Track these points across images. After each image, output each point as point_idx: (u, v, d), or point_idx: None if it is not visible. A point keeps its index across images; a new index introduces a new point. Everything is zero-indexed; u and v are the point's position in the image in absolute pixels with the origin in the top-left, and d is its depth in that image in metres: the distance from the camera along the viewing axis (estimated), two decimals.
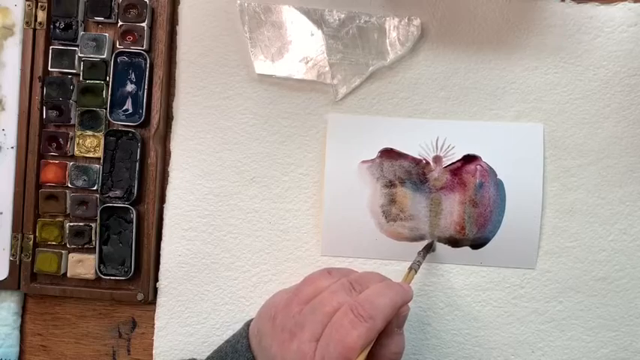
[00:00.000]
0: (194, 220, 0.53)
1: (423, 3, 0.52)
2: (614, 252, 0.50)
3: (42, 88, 0.53)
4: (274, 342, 0.40)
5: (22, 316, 0.55)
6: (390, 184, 0.51)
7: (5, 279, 0.53)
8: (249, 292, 0.52)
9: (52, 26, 0.53)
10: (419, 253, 0.49)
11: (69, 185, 0.54)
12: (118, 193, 0.53)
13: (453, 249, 0.51)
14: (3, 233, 0.53)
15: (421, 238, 0.51)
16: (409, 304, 0.41)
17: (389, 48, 0.52)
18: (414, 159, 0.51)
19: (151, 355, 0.53)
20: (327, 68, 0.52)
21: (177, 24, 0.54)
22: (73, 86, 0.54)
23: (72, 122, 0.54)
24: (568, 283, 0.51)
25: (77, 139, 0.53)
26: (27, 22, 0.53)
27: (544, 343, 0.51)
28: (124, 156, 0.53)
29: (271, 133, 0.53)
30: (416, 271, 0.47)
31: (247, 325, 0.45)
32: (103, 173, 0.53)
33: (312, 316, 0.39)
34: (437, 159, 0.51)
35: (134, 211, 0.52)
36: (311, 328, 0.38)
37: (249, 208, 0.53)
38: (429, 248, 0.50)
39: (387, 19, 0.52)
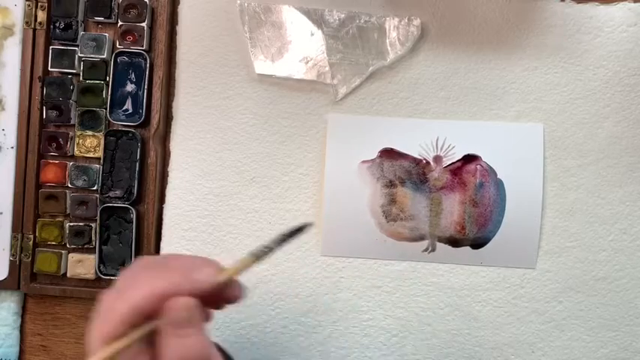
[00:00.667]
0: (194, 220, 0.53)
1: (423, 3, 0.52)
2: (614, 252, 0.50)
3: (42, 88, 0.53)
4: None
5: (22, 316, 0.55)
6: (390, 184, 0.51)
7: (5, 279, 0.53)
8: (249, 292, 0.52)
9: (52, 26, 0.53)
10: (268, 245, 0.36)
11: (69, 185, 0.54)
12: (118, 193, 0.53)
13: (454, 249, 0.51)
14: (3, 233, 0.53)
15: (421, 238, 0.51)
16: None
17: (389, 48, 0.52)
18: (414, 159, 0.51)
19: None
20: (327, 68, 0.52)
21: (177, 24, 0.54)
22: (73, 86, 0.54)
23: (72, 122, 0.54)
24: (568, 283, 0.51)
25: (77, 139, 0.53)
26: (27, 22, 0.53)
27: (544, 343, 0.51)
28: (124, 156, 0.53)
29: (271, 133, 0.53)
30: (257, 260, 0.36)
31: None
32: (103, 173, 0.53)
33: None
34: (437, 159, 0.51)
35: (134, 211, 0.52)
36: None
37: (249, 208, 0.53)
38: (282, 242, 0.37)
39: (387, 19, 0.52)
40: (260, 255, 0.36)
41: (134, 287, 0.32)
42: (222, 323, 0.52)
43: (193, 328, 0.31)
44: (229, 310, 0.52)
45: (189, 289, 0.31)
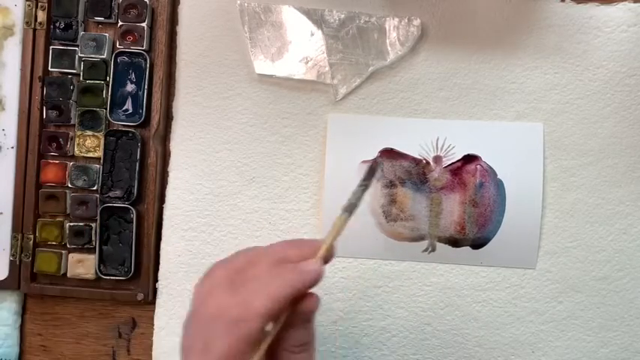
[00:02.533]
0: (194, 220, 0.53)
1: (423, 3, 0.52)
2: (614, 252, 0.50)
3: (42, 88, 0.53)
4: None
5: (22, 316, 0.55)
6: (391, 184, 0.51)
7: (5, 279, 0.53)
8: None
9: (52, 26, 0.53)
10: (360, 184, 0.39)
11: (69, 185, 0.54)
12: (118, 193, 0.53)
13: (454, 249, 0.51)
14: (3, 233, 0.53)
15: (421, 238, 0.51)
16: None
17: (389, 48, 0.52)
18: (414, 159, 0.51)
19: (151, 355, 0.53)
20: (327, 68, 0.52)
21: (177, 24, 0.54)
22: (73, 86, 0.54)
23: (72, 122, 0.54)
24: (568, 283, 0.51)
25: (77, 139, 0.53)
26: (27, 22, 0.53)
27: (544, 343, 0.51)
28: (124, 156, 0.53)
29: (271, 133, 0.53)
30: (350, 214, 0.37)
31: None
32: (103, 173, 0.53)
33: (197, 332, 0.35)
34: (437, 159, 0.51)
35: (134, 211, 0.52)
36: (196, 344, 0.35)
37: (249, 208, 0.53)
38: (372, 172, 0.39)
39: (387, 19, 0.52)
40: (351, 209, 0.37)
41: (258, 293, 0.33)
42: None
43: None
44: None
45: (308, 284, 0.34)
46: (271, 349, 0.35)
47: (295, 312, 0.35)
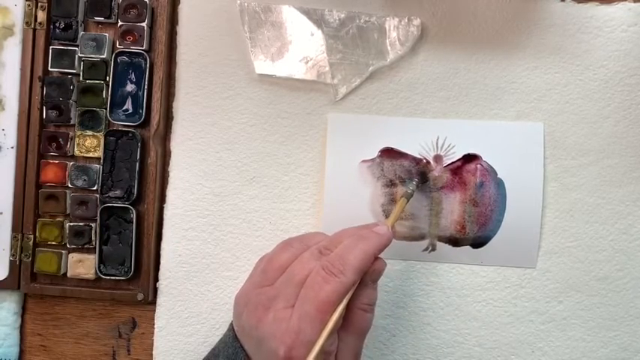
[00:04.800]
0: (194, 220, 0.53)
1: (423, 3, 0.52)
2: (614, 252, 0.50)
3: (42, 88, 0.53)
4: (251, 322, 0.40)
5: (22, 316, 0.55)
6: (391, 184, 0.51)
7: (5, 279, 0.53)
8: None
9: (52, 26, 0.53)
10: (412, 179, 0.49)
11: (69, 185, 0.54)
12: (118, 193, 0.53)
13: (454, 248, 0.51)
14: (3, 233, 0.53)
15: (421, 237, 0.51)
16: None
17: (389, 48, 0.52)
18: (414, 158, 0.51)
19: (151, 355, 0.53)
20: (327, 68, 0.52)
21: (177, 24, 0.54)
22: (73, 86, 0.54)
23: (72, 122, 0.54)
24: (568, 283, 0.51)
25: (77, 139, 0.53)
26: (27, 22, 0.53)
27: (544, 343, 0.51)
28: (124, 156, 0.53)
29: (271, 133, 0.53)
30: (407, 200, 0.47)
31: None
32: (103, 173, 0.53)
33: (284, 287, 0.40)
34: (437, 158, 0.51)
35: (134, 211, 0.52)
36: (284, 297, 0.39)
37: (249, 208, 0.53)
38: (424, 174, 0.50)
39: (387, 19, 0.52)
40: (408, 196, 0.47)
41: (352, 250, 0.40)
42: (223, 323, 0.52)
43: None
44: (229, 309, 0.53)
45: (384, 244, 0.42)
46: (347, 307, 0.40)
47: (367, 272, 0.41)
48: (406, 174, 0.51)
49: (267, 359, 0.39)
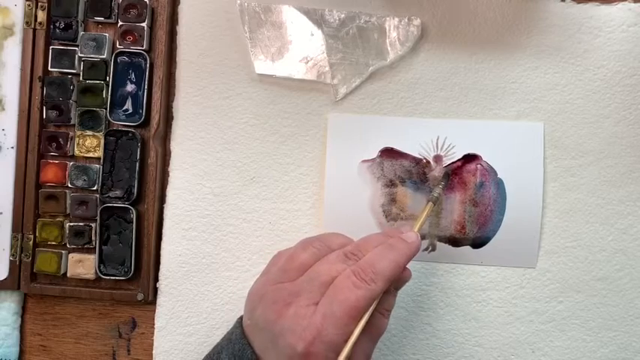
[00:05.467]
0: (194, 220, 0.53)
1: (423, 3, 0.52)
2: (614, 252, 0.50)
3: (42, 88, 0.53)
4: (268, 315, 0.40)
5: (22, 316, 0.55)
6: (391, 184, 0.51)
7: (5, 279, 0.53)
8: None
9: (52, 26, 0.53)
10: (438, 183, 0.50)
11: (69, 185, 0.54)
12: (118, 193, 0.53)
13: (454, 248, 0.51)
14: (3, 233, 0.53)
15: (422, 237, 0.51)
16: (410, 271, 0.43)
17: (389, 48, 0.52)
18: (414, 158, 0.51)
19: (151, 355, 0.53)
20: (327, 68, 0.52)
21: (177, 24, 0.54)
22: (73, 86, 0.54)
23: (72, 122, 0.54)
24: (568, 283, 0.51)
25: (77, 139, 0.53)
26: (27, 22, 0.53)
27: (544, 343, 0.51)
28: (124, 156, 0.53)
29: (271, 133, 0.53)
30: (434, 204, 0.48)
31: (240, 318, 0.45)
32: (103, 173, 0.53)
33: (308, 285, 0.40)
34: (437, 158, 0.51)
35: (134, 211, 0.52)
36: (308, 294, 0.39)
37: (249, 208, 0.53)
38: (448, 177, 0.50)
39: (387, 19, 0.52)
40: (435, 200, 0.48)
41: (382, 259, 0.40)
42: (223, 323, 0.52)
43: None
44: (229, 309, 0.53)
45: (414, 252, 0.42)
46: None
47: (394, 280, 0.41)
48: (406, 174, 0.51)
49: (281, 355, 0.39)
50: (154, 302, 0.53)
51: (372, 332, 0.41)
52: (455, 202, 0.51)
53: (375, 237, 0.43)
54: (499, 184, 0.50)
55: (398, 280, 0.42)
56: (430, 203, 0.47)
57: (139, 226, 0.53)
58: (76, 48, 0.53)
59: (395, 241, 0.42)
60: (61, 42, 0.54)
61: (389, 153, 0.51)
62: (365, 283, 0.39)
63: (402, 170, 0.51)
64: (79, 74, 0.54)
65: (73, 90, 0.54)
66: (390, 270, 0.40)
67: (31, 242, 0.53)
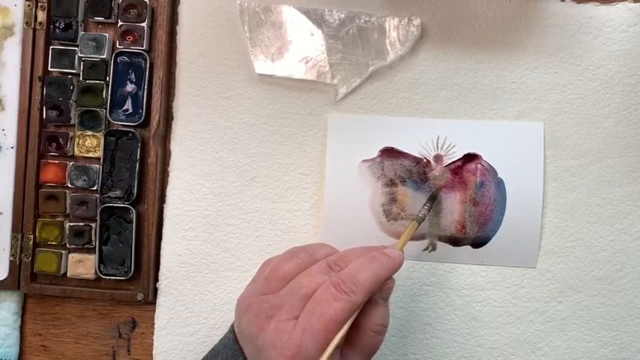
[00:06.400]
0: (194, 220, 0.53)
1: (423, 3, 0.52)
2: (614, 252, 0.50)
3: (42, 88, 0.53)
4: (251, 329, 0.40)
5: (22, 316, 0.55)
6: (391, 183, 0.51)
7: (5, 279, 0.53)
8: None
9: (52, 26, 0.53)
10: (424, 205, 0.49)
11: (69, 185, 0.54)
12: (118, 193, 0.53)
13: (454, 248, 0.51)
14: (3, 233, 0.53)
15: (422, 237, 0.51)
16: (395, 276, 0.42)
17: (389, 48, 0.52)
18: (414, 158, 0.51)
19: (151, 355, 0.53)
20: (327, 68, 0.52)
21: (177, 24, 0.54)
22: (73, 86, 0.54)
23: (72, 122, 0.54)
24: (568, 283, 0.51)
25: (77, 139, 0.53)
26: (27, 22, 0.53)
27: (544, 343, 0.51)
28: (124, 156, 0.53)
29: (271, 133, 0.53)
30: (419, 223, 0.47)
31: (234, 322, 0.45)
32: (103, 173, 0.53)
33: (289, 298, 0.39)
34: (437, 158, 0.51)
35: (134, 211, 0.52)
36: (289, 308, 0.39)
37: (249, 208, 0.53)
38: (434, 198, 0.50)
39: (387, 19, 0.52)
40: (422, 219, 0.48)
41: (363, 270, 0.40)
42: (223, 323, 0.52)
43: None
44: (229, 309, 0.53)
45: (395, 268, 0.42)
46: (356, 326, 0.40)
47: (377, 291, 0.41)
48: (407, 173, 0.51)
49: None
50: (153, 302, 0.53)
51: (364, 348, 0.41)
52: (455, 202, 0.51)
53: (359, 249, 0.43)
54: (499, 184, 0.50)
55: (382, 290, 0.41)
56: (414, 222, 0.47)
57: (138, 226, 0.53)
58: (76, 48, 0.53)
59: (378, 254, 0.42)
60: (61, 42, 0.54)
61: (389, 153, 0.51)
62: (344, 294, 0.38)
63: (402, 170, 0.51)
64: (79, 74, 0.54)
65: (73, 90, 0.54)
66: (371, 281, 0.39)
67: (31, 242, 0.53)
